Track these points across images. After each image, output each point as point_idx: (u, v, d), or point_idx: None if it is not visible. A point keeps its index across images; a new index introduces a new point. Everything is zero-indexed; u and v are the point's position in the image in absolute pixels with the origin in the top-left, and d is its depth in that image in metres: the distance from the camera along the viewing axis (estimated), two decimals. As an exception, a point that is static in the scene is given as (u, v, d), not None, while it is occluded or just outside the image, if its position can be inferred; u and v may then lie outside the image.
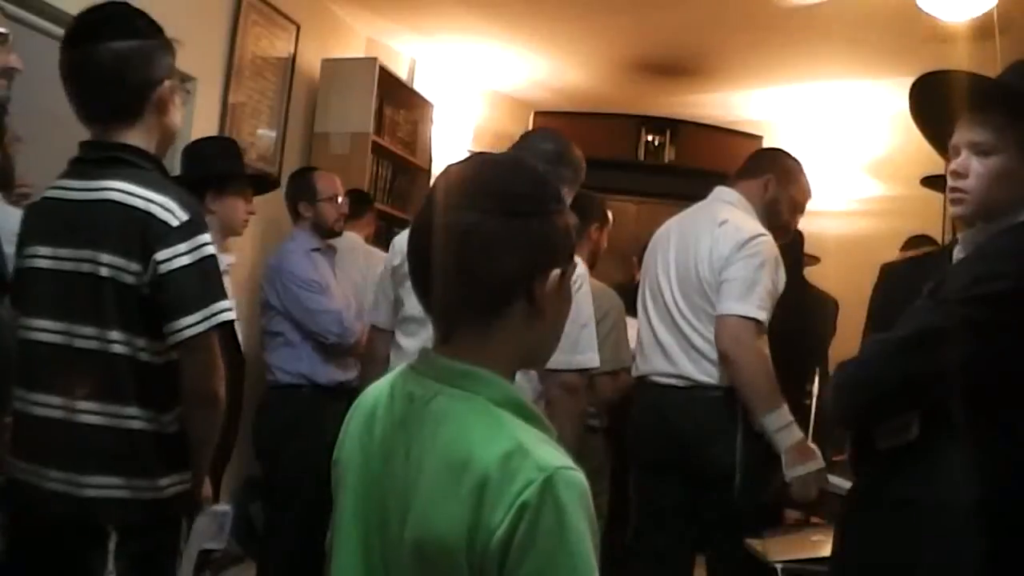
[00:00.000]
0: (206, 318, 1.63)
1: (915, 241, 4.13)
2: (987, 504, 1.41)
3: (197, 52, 3.37)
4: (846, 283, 4.25)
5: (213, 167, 2.84)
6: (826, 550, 2.09)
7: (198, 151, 2.93)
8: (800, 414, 2.66)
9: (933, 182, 2.67)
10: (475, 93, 5.68)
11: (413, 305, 2.46)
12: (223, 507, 2.75)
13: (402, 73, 4.95)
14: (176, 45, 1.78)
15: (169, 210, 1.63)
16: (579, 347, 2.24)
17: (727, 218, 2.67)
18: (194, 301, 1.62)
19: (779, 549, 2.23)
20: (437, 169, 5.14)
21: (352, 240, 3.76)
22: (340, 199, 3.52)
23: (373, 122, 4.24)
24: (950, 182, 1.59)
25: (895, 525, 1.54)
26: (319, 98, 4.27)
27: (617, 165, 5.22)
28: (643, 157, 5.32)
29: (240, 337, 2.87)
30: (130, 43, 1.68)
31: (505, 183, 1.08)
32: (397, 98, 4.63)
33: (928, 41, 3.89)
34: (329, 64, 4.30)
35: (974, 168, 1.55)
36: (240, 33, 3.61)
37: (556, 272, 1.07)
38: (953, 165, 1.58)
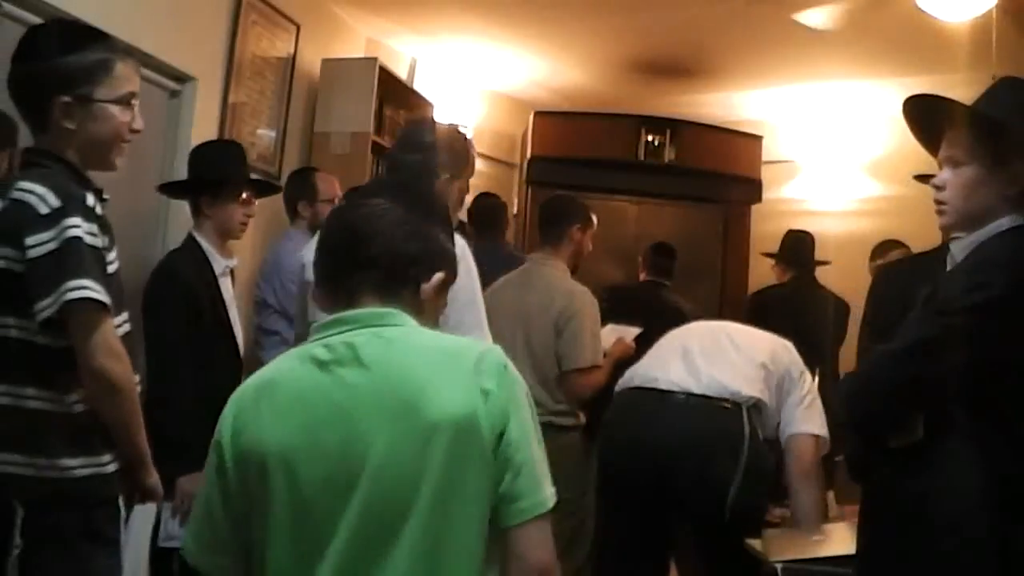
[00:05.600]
0: (58, 298, 1.69)
1: (886, 246, 4.14)
2: (994, 496, 1.51)
3: (197, 52, 3.37)
4: (846, 282, 4.25)
5: (206, 172, 2.85)
6: (826, 550, 2.10)
7: (198, 155, 2.95)
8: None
9: (925, 178, 2.75)
10: (475, 93, 5.68)
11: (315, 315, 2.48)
12: None
13: (402, 73, 4.95)
14: (118, 58, 1.86)
15: (42, 198, 1.71)
16: (463, 327, 2.07)
17: None
18: (48, 283, 1.70)
19: (779, 549, 2.23)
20: (437, 169, 5.13)
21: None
22: (338, 201, 3.53)
23: (373, 122, 4.23)
24: (933, 195, 1.73)
25: (914, 519, 1.62)
26: (319, 98, 4.26)
27: (617, 165, 5.21)
28: (643, 157, 5.30)
29: (240, 338, 2.87)
30: (26, 65, 1.81)
31: (422, 189, 1.39)
32: (397, 98, 4.62)
33: (926, 41, 3.89)
34: (329, 64, 4.30)
35: (950, 180, 1.69)
36: (240, 33, 3.60)
37: (440, 275, 1.30)
38: (934, 180, 1.73)
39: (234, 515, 1.23)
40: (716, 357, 2.67)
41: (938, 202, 1.72)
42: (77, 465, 1.76)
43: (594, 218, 3.48)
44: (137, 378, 1.90)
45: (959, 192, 1.67)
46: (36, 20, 2.55)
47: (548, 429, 3.02)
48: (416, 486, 1.15)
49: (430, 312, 1.31)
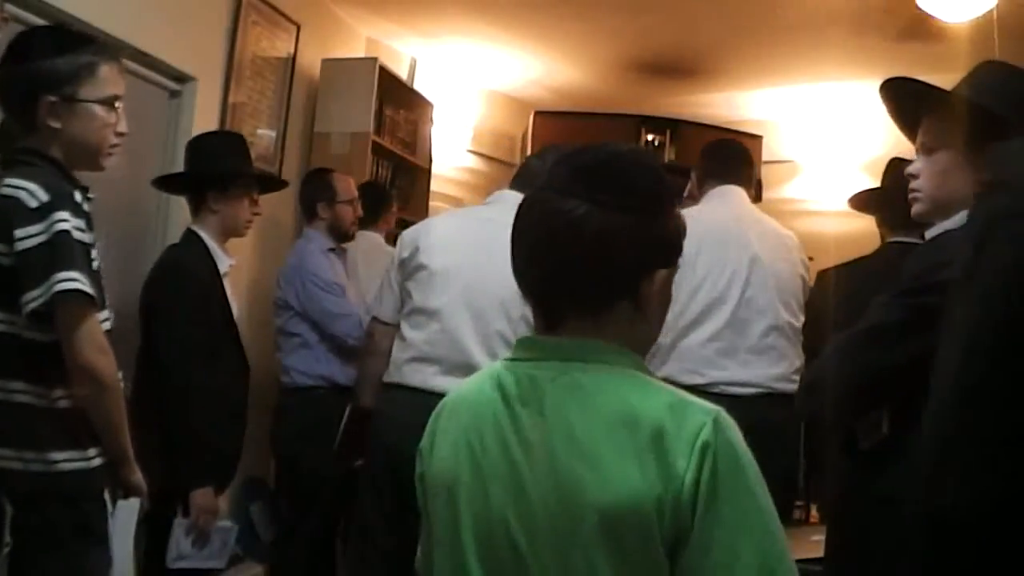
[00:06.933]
0: (47, 290, 1.71)
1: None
2: None
3: (197, 52, 3.37)
4: (846, 283, 4.25)
5: (216, 164, 2.75)
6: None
7: (202, 147, 2.83)
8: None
9: (859, 204, 2.76)
10: (475, 93, 5.68)
11: (422, 298, 2.45)
12: (226, 523, 2.64)
13: (402, 73, 4.95)
14: (104, 61, 1.91)
15: (32, 193, 1.74)
16: None
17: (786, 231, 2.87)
18: (38, 275, 1.71)
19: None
20: (437, 169, 5.13)
21: (372, 240, 3.77)
22: (355, 202, 3.56)
23: (373, 122, 4.24)
24: (909, 184, 1.67)
25: (881, 522, 1.57)
26: (319, 98, 4.26)
27: (617, 165, 5.21)
28: (643, 157, 5.30)
29: (243, 339, 2.83)
30: (14, 66, 1.85)
31: (628, 178, 1.07)
32: (397, 98, 4.62)
33: (927, 41, 3.89)
34: (329, 64, 4.30)
35: (923, 168, 1.63)
36: (240, 33, 3.60)
37: (663, 272, 1.08)
38: (908, 168, 1.67)
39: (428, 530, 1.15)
40: (770, 354, 2.65)
41: (912, 190, 1.66)
42: (64, 459, 1.78)
43: None
44: (120, 375, 1.91)
45: (933, 179, 1.61)
46: (37, 20, 2.55)
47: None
48: (559, 573, 0.98)
49: (653, 314, 1.10)
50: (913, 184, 1.65)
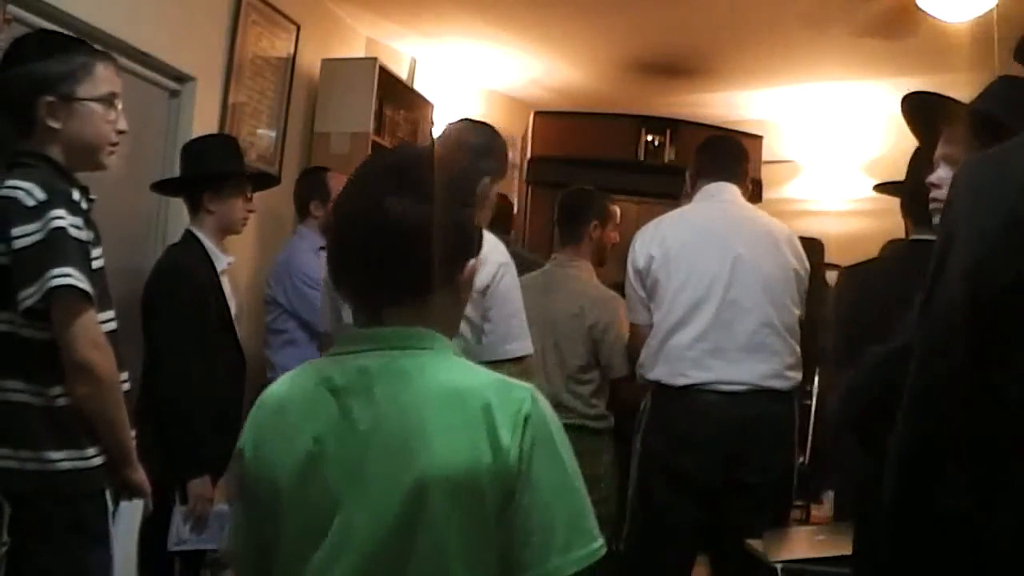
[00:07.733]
0: (42, 286, 1.71)
1: (891, 246, 4.12)
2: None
3: (197, 52, 3.37)
4: (846, 283, 4.25)
5: (210, 166, 2.83)
6: (827, 550, 2.10)
7: (195, 150, 2.91)
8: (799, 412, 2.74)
9: (884, 188, 2.75)
10: (475, 93, 5.68)
11: (349, 314, 2.46)
12: (224, 507, 2.68)
13: (402, 73, 4.95)
14: (99, 60, 1.93)
15: (29, 193, 1.75)
16: (510, 337, 2.19)
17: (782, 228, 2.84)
18: (32, 272, 1.72)
19: (779, 549, 2.23)
20: (437, 169, 5.13)
21: None
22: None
23: (373, 122, 4.23)
24: (931, 194, 1.71)
25: None
26: (319, 98, 4.26)
27: (617, 165, 5.21)
28: (643, 157, 5.31)
29: (240, 336, 2.86)
30: (11, 71, 1.87)
31: (436, 175, 1.14)
32: (397, 98, 4.62)
33: (927, 41, 3.89)
34: (329, 64, 4.30)
35: (946, 178, 1.64)
36: (240, 33, 3.60)
37: (472, 263, 1.17)
38: (930, 178, 1.71)
39: (253, 530, 1.15)
40: (761, 352, 2.64)
41: (934, 200, 1.69)
42: (61, 458, 1.78)
43: (615, 209, 3.42)
44: (125, 375, 1.91)
45: None
46: (37, 20, 2.55)
47: (583, 432, 2.95)
48: (401, 550, 1.02)
49: (464, 300, 1.20)
50: (935, 194, 1.69)
